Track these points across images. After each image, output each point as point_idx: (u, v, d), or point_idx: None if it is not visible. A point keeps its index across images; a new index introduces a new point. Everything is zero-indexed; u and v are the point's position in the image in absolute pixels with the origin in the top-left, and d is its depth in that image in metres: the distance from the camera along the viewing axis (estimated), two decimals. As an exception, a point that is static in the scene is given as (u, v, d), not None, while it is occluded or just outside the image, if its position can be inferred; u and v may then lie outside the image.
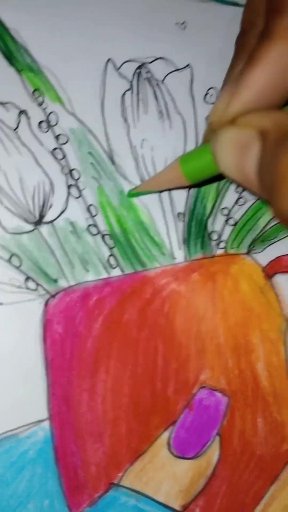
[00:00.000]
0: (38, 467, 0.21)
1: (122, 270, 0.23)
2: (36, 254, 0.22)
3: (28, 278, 0.22)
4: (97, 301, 0.23)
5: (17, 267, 0.22)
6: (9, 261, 0.22)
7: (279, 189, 0.15)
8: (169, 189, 0.24)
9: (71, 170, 0.23)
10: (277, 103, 0.19)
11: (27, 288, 0.22)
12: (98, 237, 0.23)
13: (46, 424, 0.21)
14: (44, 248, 0.22)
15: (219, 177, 0.21)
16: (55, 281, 0.22)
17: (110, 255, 0.23)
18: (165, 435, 0.23)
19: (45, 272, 0.22)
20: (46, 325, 0.22)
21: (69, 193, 0.23)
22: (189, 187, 0.24)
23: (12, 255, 0.22)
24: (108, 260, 0.23)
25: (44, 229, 0.22)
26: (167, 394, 0.23)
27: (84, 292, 0.23)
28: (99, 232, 0.23)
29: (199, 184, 0.23)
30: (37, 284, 0.22)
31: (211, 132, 0.19)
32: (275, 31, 0.18)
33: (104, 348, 0.22)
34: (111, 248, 0.23)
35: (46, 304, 0.22)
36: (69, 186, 0.23)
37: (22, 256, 0.22)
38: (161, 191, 0.24)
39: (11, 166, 0.22)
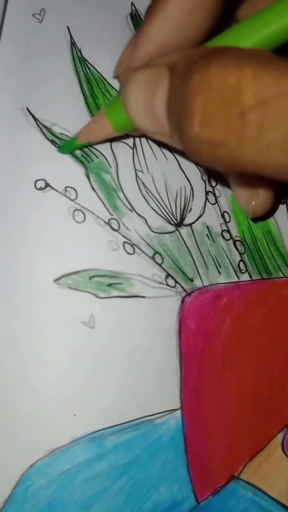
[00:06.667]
0: (170, 452, 0.24)
1: (250, 276, 0.27)
2: (176, 253, 0.25)
3: (168, 276, 0.25)
4: (227, 303, 0.26)
5: (159, 264, 0.25)
6: (152, 258, 0.25)
7: (188, 109, 0.15)
8: (101, 142, 0.24)
9: (209, 177, 0.27)
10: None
11: (167, 285, 0.25)
12: (230, 242, 0.27)
13: (178, 414, 0.24)
14: (183, 249, 0.26)
15: None
16: (191, 280, 0.25)
17: (240, 260, 0.27)
18: (280, 436, 0.26)
19: (183, 271, 0.25)
20: (182, 321, 0.25)
21: (206, 199, 0.26)
22: (120, 137, 0.24)
23: (156, 253, 0.25)
24: (238, 265, 0.27)
25: (183, 231, 0.26)
26: (283, 397, 0.26)
27: (216, 293, 0.26)
28: (231, 238, 0.27)
29: (127, 135, 0.24)
30: (176, 282, 0.25)
31: (121, 86, 0.20)
32: None
33: (231, 348, 0.26)
34: (241, 254, 0.27)
35: (183, 301, 0.25)
36: (207, 193, 0.27)
37: (164, 255, 0.25)
38: (93, 144, 0.24)
39: (158, 170, 0.26)
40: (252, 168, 0.15)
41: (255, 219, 0.27)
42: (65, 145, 0.24)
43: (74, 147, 0.24)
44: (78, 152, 0.24)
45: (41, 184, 0.23)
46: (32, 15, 0.25)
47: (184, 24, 0.19)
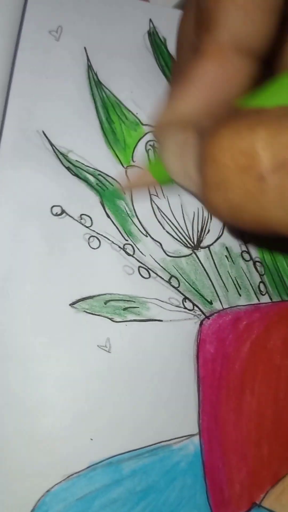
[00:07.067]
0: (188, 478, 0.24)
1: (270, 297, 0.26)
2: (193, 277, 0.25)
3: (185, 299, 0.25)
4: (246, 326, 0.26)
5: (176, 288, 0.25)
6: (169, 281, 0.25)
7: (204, 175, 0.15)
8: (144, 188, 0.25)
9: (228, 197, 0.26)
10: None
11: (185, 308, 0.25)
12: (250, 263, 0.26)
13: (196, 439, 0.24)
14: (200, 271, 0.25)
15: None
16: (210, 303, 0.25)
17: (260, 282, 0.26)
18: (302, 462, 0.25)
19: (201, 294, 0.25)
20: (200, 344, 0.25)
21: (225, 219, 0.26)
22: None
23: (172, 276, 0.25)
24: (258, 286, 0.26)
25: (201, 253, 0.26)
26: (305, 422, 0.26)
27: (236, 315, 0.26)
28: (251, 259, 0.26)
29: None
30: (194, 305, 0.25)
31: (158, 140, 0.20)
32: (205, 50, 0.18)
33: (250, 371, 0.25)
34: (261, 275, 0.26)
35: (201, 324, 0.25)
36: (225, 212, 0.26)
37: (180, 278, 0.25)
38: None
39: (173, 193, 0.25)
40: (282, 230, 0.14)
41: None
42: (109, 195, 0.24)
43: (118, 197, 0.24)
44: (93, 180, 0.24)
45: (57, 210, 0.24)
46: (49, 32, 0.25)
47: (220, 92, 0.18)
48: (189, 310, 0.25)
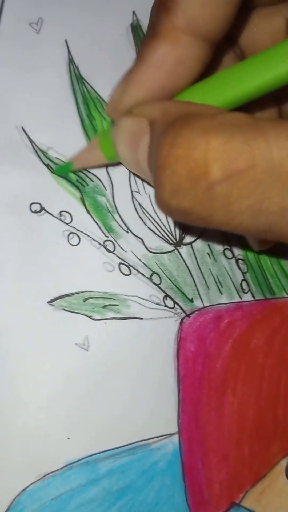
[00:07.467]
0: (167, 478, 0.23)
1: (253, 296, 0.26)
2: (175, 273, 0.25)
3: (166, 296, 0.25)
4: (228, 324, 0.25)
5: (157, 285, 0.25)
6: (150, 278, 0.25)
7: (158, 178, 0.16)
8: (93, 167, 0.24)
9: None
10: (169, 97, 0.19)
11: (165, 306, 0.25)
12: (233, 261, 0.26)
13: (175, 438, 0.24)
14: (182, 268, 0.25)
15: None
16: (191, 300, 0.25)
17: (243, 280, 0.26)
18: (284, 462, 0.25)
19: (183, 291, 0.25)
20: (180, 343, 0.25)
21: (208, 216, 0.26)
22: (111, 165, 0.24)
23: (153, 273, 0.25)
24: (241, 284, 0.26)
25: (183, 250, 0.25)
26: (287, 423, 0.26)
27: (217, 314, 0.25)
28: (233, 256, 0.26)
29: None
30: (175, 303, 0.25)
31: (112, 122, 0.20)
32: (160, 30, 0.18)
33: (232, 371, 0.25)
34: (244, 273, 0.26)
35: (182, 322, 0.25)
36: (208, 210, 0.26)
37: (162, 275, 0.25)
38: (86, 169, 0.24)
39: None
40: (225, 229, 0.16)
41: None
42: (61, 168, 0.24)
43: (69, 171, 0.24)
44: (73, 177, 0.24)
45: (36, 207, 0.24)
46: (29, 24, 0.25)
47: (172, 74, 0.19)
48: (169, 308, 0.25)
